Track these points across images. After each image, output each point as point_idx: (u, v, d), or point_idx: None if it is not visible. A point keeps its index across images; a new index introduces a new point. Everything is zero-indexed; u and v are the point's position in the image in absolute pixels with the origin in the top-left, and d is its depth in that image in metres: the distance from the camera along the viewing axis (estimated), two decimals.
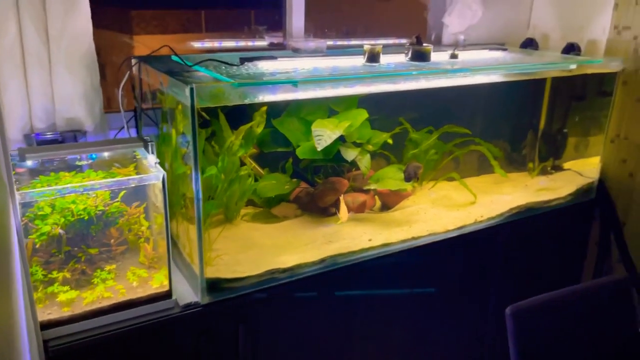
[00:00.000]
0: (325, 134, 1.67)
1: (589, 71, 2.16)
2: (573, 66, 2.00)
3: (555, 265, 2.30)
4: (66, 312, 1.29)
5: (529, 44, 2.46)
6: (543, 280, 2.25)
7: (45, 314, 1.28)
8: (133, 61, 1.68)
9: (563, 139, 2.40)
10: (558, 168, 2.41)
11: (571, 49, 2.26)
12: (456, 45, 2.25)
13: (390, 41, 2.76)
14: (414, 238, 1.81)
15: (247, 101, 1.42)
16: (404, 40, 2.62)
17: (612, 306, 1.46)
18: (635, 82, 2.17)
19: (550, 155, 2.42)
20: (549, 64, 2.07)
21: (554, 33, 2.49)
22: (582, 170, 2.37)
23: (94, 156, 1.50)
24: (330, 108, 1.86)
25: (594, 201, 2.33)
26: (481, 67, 1.86)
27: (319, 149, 1.65)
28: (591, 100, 2.34)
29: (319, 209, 1.86)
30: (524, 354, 1.30)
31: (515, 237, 2.05)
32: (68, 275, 1.35)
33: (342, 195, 1.83)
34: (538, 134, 2.45)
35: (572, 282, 2.43)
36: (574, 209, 2.26)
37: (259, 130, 1.69)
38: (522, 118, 2.46)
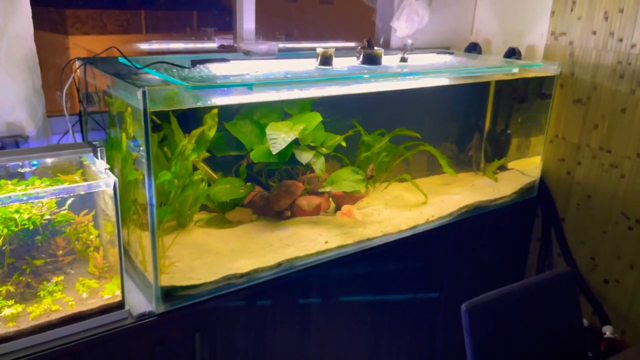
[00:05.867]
0: (280, 137, 1.66)
1: (530, 75, 2.27)
2: (516, 69, 2.09)
3: (501, 260, 2.39)
4: (12, 328, 1.22)
5: (473, 49, 2.55)
6: (490, 275, 2.33)
7: None
8: (78, 63, 1.62)
9: (507, 139, 2.50)
10: (502, 168, 2.51)
11: (512, 53, 2.36)
12: (405, 49, 2.30)
13: (338, 44, 2.78)
14: (368, 239, 1.83)
15: (199, 104, 1.39)
16: (350, 44, 2.65)
17: (560, 299, 1.53)
18: (571, 85, 2.29)
19: (495, 155, 2.52)
20: (496, 67, 2.15)
21: (495, 38, 2.59)
22: (524, 169, 2.48)
23: (34, 163, 1.43)
24: (283, 111, 1.85)
25: (536, 198, 2.44)
26: (433, 70, 1.90)
27: (274, 152, 1.64)
28: (532, 103, 2.45)
29: (274, 212, 1.85)
30: (480, 348, 1.34)
31: (465, 234, 2.12)
32: (12, 288, 1.28)
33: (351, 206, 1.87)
34: (483, 135, 2.54)
35: (517, 276, 2.54)
36: (518, 206, 2.36)
37: (211, 133, 1.66)
38: (468, 120, 2.55)
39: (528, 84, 2.43)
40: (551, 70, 2.27)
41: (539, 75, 2.30)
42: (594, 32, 2.18)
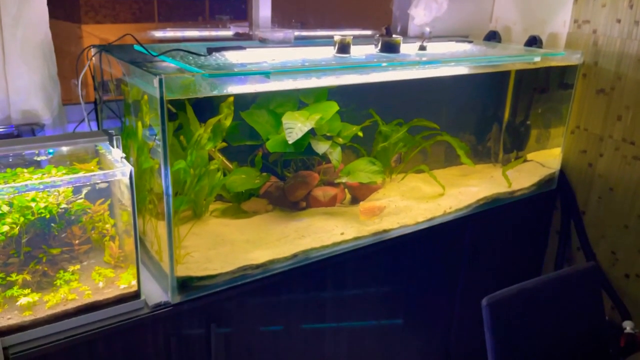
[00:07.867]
0: (296, 126, 1.63)
1: (551, 64, 2.21)
2: (537, 58, 2.04)
3: (519, 253, 2.36)
4: (28, 317, 1.22)
5: (492, 37, 2.49)
6: (508, 268, 2.29)
7: (5, 319, 1.21)
8: (93, 50, 1.60)
9: (526, 130, 2.45)
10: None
11: (533, 41, 2.30)
12: (423, 37, 2.25)
13: (352, 32, 2.74)
14: (385, 231, 1.81)
15: (216, 92, 1.37)
16: (364, 31, 2.61)
17: (582, 295, 1.50)
18: (594, 75, 2.23)
19: (515, 146, 2.47)
20: (517, 56, 2.10)
21: (516, 26, 2.53)
22: (544, 161, 2.43)
23: (50, 151, 1.42)
24: (299, 100, 1.82)
25: (555, 191, 2.39)
26: (453, 59, 1.86)
27: (290, 142, 1.62)
28: (553, 93, 2.40)
29: (289, 203, 1.83)
30: (501, 343, 1.31)
31: (482, 227, 2.08)
32: (28, 277, 1.28)
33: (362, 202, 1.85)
34: (502, 126, 2.49)
35: (535, 269, 2.51)
36: (537, 198, 2.32)
37: (227, 122, 1.64)
38: (487, 110, 2.50)
39: (549, 73, 2.37)
40: (574, 59, 2.21)
41: (561, 64, 2.25)
42: (619, 21, 2.11)
